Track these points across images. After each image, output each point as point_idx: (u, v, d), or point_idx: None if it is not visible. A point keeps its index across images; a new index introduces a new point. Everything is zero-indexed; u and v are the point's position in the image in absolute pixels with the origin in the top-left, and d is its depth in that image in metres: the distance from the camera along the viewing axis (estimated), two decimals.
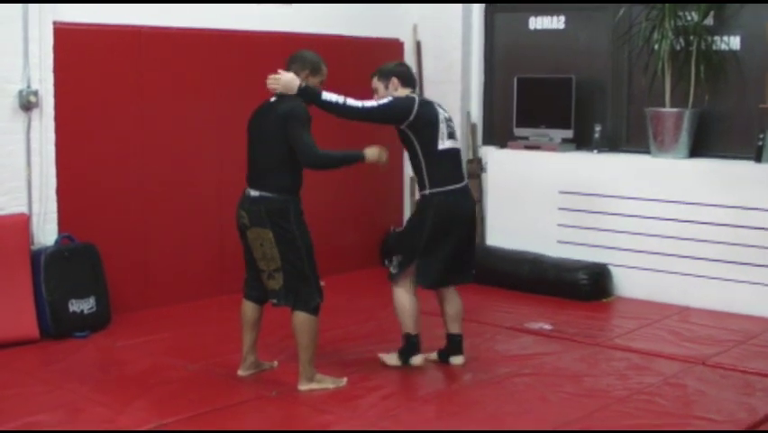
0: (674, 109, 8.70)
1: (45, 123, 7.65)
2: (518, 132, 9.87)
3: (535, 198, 9.55)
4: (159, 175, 8.37)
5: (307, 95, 6.32)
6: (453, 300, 6.91)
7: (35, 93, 7.52)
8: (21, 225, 7.41)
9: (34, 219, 7.63)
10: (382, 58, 10.16)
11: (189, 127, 8.56)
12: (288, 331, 6.37)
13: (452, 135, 6.76)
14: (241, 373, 6.60)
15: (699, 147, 8.85)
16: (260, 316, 6.60)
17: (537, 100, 9.82)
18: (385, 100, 6.59)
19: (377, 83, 6.80)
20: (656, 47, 8.70)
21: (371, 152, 6.41)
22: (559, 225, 9.40)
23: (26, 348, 7.19)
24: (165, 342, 7.39)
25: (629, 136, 9.46)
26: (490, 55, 10.34)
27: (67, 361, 6.99)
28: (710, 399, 6.25)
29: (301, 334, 6.27)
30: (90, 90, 7.92)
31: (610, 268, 9.03)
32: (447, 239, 6.64)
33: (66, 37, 7.71)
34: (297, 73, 6.37)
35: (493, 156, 9.99)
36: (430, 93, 10.28)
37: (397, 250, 6.83)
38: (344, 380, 6.45)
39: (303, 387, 6.32)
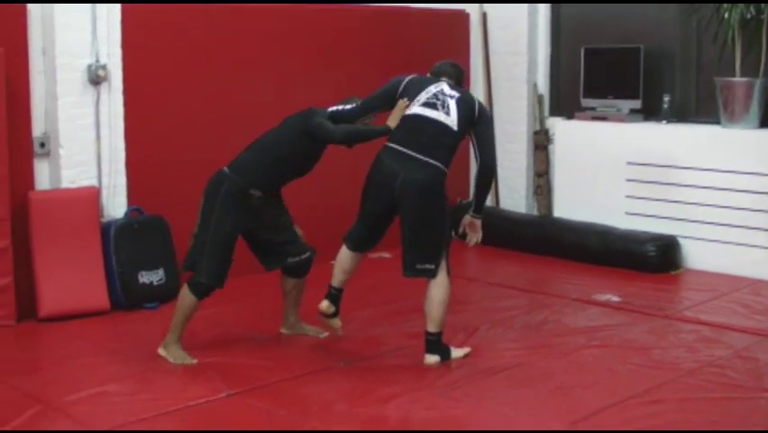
0: (744, 79, 8.56)
1: (114, 97, 7.73)
2: (585, 102, 9.78)
3: (603, 169, 9.47)
4: (226, 147, 8.35)
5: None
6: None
7: (104, 67, 7.60)
8: (91, 198, 7.50)
9: (104, 192, 7.72)
10: (448, 29, 10.21)
11: (257, 100, 8.58)
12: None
13: (432, 106, 6.25)
14: (282, 330, 6.90)
15: None
16: (294, 283, 6.80)
17: (605, 70, 9.72)
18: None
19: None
20: (726, 15, 8.54)
21: (394, 118, 6.37)
22: (627, 196, 9.32)
23: (97, 319, 7.30)
24: (233, 313, 7.46)
25: (698, 106, 9.33)
26: (557, 25, 10.25)
27: (137, 332, 7.08)
28: None
29: (180, 300, 6.48)
30: (158, 64, 7.98)
31: (679, 240, 8.94)
32: (366, 197, 6.39)
33: (133, 11, 7.76)
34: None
35: (560, 127, 9.92)
36: (496, 65, 10.28)
37: None
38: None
39: (160, 350, 6.44)
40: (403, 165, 6.14)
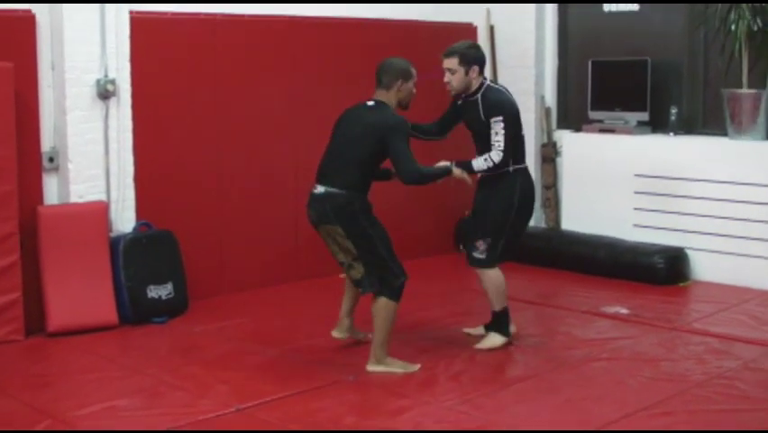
0: (752, 90, 8.57)
1: (122, 111, 7.75)
2: (593, 115, 9.79)
3: (611, 181, 9.47)
4: (234, 162, 8.43)
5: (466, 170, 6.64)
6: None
7: (112, 82, 7.62)
8: (100, 212, 7.51)
9: (113, 207, 7.73)
10: (456, 42, 10.21)
11: (265, 114, 8.60)
12: (367, 310, 6.45)
13: None
14: (334, 333, 6.83)
15: None
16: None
17: (612, 83, 9.73)
18: (502, 130, 6.62)
19: (457, 66, 6.72)
20: (733, 27, 8.56)
21: (458, 171, 6.55)
22: (635, 208, 9.32)
23: (106, 334, 7.30)
24: (242, 327, 7.46)
25: (706, 118, 9.33)
26: (564, 38, 10.27)
27: (145, 346, 7.08)
28: None
29: (377, 316, 6.34)
30: (166, 78, 8.00)
31: (687, 252, 8.93)
32: (524, 216, 6.90)
33: (142, 26, 7.79)
34: (390, 85, 6.46)
35: (568, 140, 9.93)
36: (504, 77, 10.26)
37: (484, 233, 6.81)
38: (417, 366, 6.46)
39: (371, 367, 6.38)
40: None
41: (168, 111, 8.02)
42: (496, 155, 6.59)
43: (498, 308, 6.89)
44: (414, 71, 6.53)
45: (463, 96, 6.82)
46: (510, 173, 6.72)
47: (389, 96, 6.47)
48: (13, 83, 7.07)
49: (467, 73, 6.72)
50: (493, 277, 6.83)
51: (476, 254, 6.83)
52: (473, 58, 6.74)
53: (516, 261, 9.48)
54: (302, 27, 8.84)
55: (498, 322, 6.92)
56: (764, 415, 5.66)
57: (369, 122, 6.33)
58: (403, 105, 6.52)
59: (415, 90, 6.56)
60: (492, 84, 6.93)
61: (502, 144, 6.59)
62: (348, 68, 9.01)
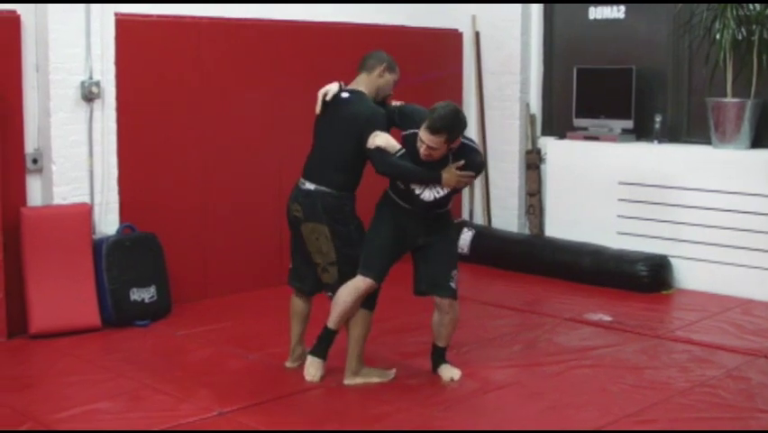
0: (736, 100, 8.59)
1: (107, 113, 7.72)
2: (578, 122, 9.81)
3: (595, 189, 9.49)
4: (219, 165, 8.42)
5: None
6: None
7: (97, 84, 7.60)
8: (83, 214, 7.48)
9: (96, 209, 7.71)
10: (441, 48, 10.25)
11: (249, 118, 8.59)
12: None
13: None
14: (288, 364, 6.60)
15: (762, 138, 8.73)
16: (309, 308, 6.60)
17: (597, 90, 9.75)
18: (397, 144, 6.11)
19: (443, 144, 5.94)
20: (718, 36, 8.58)
21: (449, 178, 6.02)
22: (619, 216, 9.33)
23: (88, 336, 7.26)
24: (225, 331, 7.44)
25: (690, 127, 9.36)
26: (550, 45, 10.29)
27: (128, 349, 7.05)
28: None
29: (354, 327, 6.26)
30: (151, 81, 7.98)
31: (671, 260, 8.94)
32: None
33: (127, 28, 7.77)
34: (374, 68, 6.33)
35: (552, 147, 9.94)
36: (489, 84, 10.32)
37: (455, 264, 6.43)
38: (392, 372, 6.42)
39: (348, 381, 6.28)
40: None
41: (152, 114, 8.00)
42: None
43: (449, 342, 6.56)
44: (398, 71, 6.42)
45: None
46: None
47: (369, 81, 6.33)
48: None
49: (449, 146, 6.01)
50: (458, 310, 6.48)
51: (453, 285, 6.33)
52: (458, 134, 6.02)
53: (500, 267, 9.58)
54: (288, 31, 8.83)
55: (443, 355, 6.57)
56: (746, 424, 5.67)
57: (344, 116, 6.21)
58: (380, 97, 6.34)
59: (392, 92, 6.43)
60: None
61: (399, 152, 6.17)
62: (334, 72, 8.93)
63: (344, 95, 6.30)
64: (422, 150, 5.94)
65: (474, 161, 6.12)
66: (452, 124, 5.89)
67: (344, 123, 6.20)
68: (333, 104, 6.30)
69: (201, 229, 8.34)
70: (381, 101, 6.36)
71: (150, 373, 6.44)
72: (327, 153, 6.26)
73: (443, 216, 6.35)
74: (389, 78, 6.36)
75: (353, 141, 6.14)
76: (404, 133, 6.17)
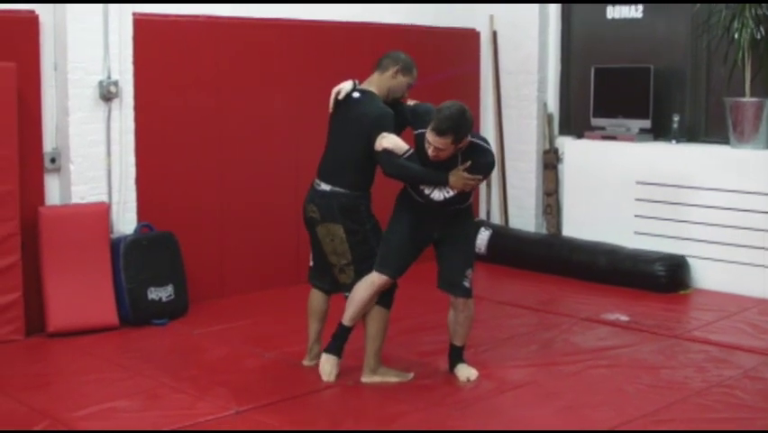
0: (754, 99, 8.56)
1: (125, 113, 7.75)
2: (595, 122, 9.79)
3: (612, 188, 9.47)
4: (236, 164, 8.44)
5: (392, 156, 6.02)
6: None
7: (115, 83, 7.62)
8: (101, 213, 7.51)
9: (114, 208, 7.74)
10: (459, 48, 10.24)
11: (267, 117, 8.61)
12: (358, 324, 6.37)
13: None
14: (306, 362, 6.59)
15: None
16: (327, 306, 6.59)
17: (615, 90, 9.73)
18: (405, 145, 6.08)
19: (450, 144, 5.91)
20: (736, 36, 8.56)
21: (455, 180, 5.99)
22: (636, 215, 9.31)
23: (106, 335, 7.29)
24: (242, 330, 7.46)
25: (708, 127, 9.33)
26: (567, 45, 10.27)
27: (145, 348, 7.08)
28: None
29: (371, 325, 6.26)
30: (169, 80, 8.01)
31: (688, 259, 8.92)
32: None
33: (145, 28, 7.80)
34: (387, 68, 6.28)
35: (570, 146, 9.92)
36: (506, 84, 10.31)
37: (470, 261, 6.45)
38: (411, 375, 6.41)
39: (366, 379, 6.29)
40: None
41: (170, 113, 8.03)
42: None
43: (465, 341, 6.57)
44: (415, 72, 6.35)
45: None
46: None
47: (382, 80, 6.29)
48: (15, 83, 7.08)
49: (457, 146, 5.96)
50: (473, 308, 6.50)
51: (467, 284, 6.34)
52: (465, 134, 5.95)
53: (517, 267, 9.57)
54: (305, 31, 8.85)
55: (461, 354, 6.56)
56: (764, 424, 5.65)
57: (354, 117, 6.18)
58: (391, 98, 6.29)
59: (407, 94, 6.39)
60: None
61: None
62: (350, 72, 8.94)
63: (356, 94, 6.29)
64: (429, 151, 5.92)
65: (481, 163, 6.07)
66: (458, 124, 5.84)
67: (354, 123, 6.19)
68: (345, 103, 6.30)
69: (218, 228, 8.36)
70: (393, 102, 6.31)
71: (167, 371, 6.46)
72: (340, 154, 6.26)
73: (462, 212, 6.33)
74: (403, 80, 6.30)
75: (363, 141, 6.12)
76: (415, 132, 6.17)
